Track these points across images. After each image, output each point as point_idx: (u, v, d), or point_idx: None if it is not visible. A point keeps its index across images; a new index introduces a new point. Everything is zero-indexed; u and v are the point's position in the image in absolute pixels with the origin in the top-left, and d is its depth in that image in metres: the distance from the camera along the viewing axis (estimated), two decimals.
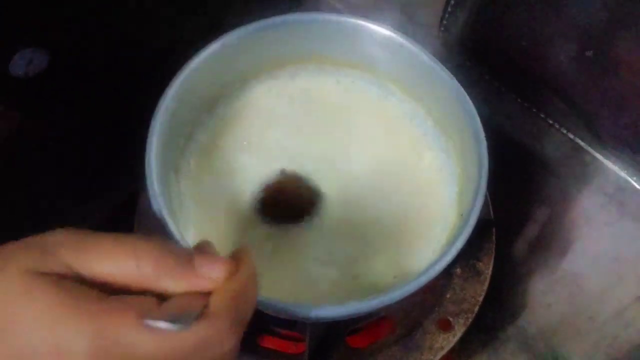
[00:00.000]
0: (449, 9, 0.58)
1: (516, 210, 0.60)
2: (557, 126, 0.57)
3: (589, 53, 0.51)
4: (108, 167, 0.62)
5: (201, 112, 0.47)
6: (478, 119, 0.42)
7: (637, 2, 0.46)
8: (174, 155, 0.45)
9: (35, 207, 0.61)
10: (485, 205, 0.50)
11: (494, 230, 0.49)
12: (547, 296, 0.63)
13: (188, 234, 0.42)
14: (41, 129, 0.59)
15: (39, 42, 0.55)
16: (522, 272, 0.64)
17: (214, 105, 0.48)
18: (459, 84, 0.43)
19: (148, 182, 0.39)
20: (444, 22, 0.59)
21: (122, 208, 0.58)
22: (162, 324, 0.24)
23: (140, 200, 0.50)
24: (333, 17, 0.46)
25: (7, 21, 0.52)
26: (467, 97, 0.43)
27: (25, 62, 0.55)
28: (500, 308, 0.68)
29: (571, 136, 0.56)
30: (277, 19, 0.46)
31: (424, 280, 0.37)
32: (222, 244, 0.43)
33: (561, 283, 0.61)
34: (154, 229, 0.38)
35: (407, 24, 0.62)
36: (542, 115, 0.57)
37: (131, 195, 0.52)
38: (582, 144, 0.56)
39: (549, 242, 0.60)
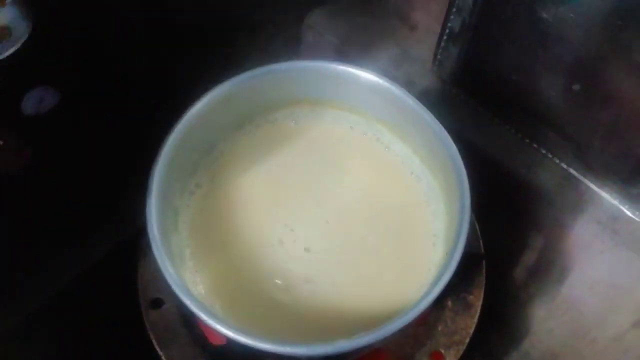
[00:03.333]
0: (442, 44, 0.61)
1: (513, 238, 0.63)
2: (550, 156, 0.59)
3: (576, 87, 0.53)
4: (114, 202, 0.65)
5: (200, 155, 0.51)
6: (460, 160, 0.45)
7: (617, 41, 0.48)
8: (174, 196, 0.48)
9: (43, 240, 0.65)
10: (475, 239, 0.53)
11: (484, 263, 0.52)
12: (549, 321, 0.65)
13: (194, 278, 0.46)
14: (51, 165, 0.62)
15: (49, 80, 0.59)
16: (523, 299, 0.66)
17: (212, 148, 0.51)
18: (441, 126, 0.46)
19: (148, 227, 0.43)
20: (438, 56, 0.62)
21: (127, 242, 0.61)
22: None
23: (143, 235, 0.52)
24: (323, 65, 0.49)
25: (19, 61, 0.56)
26: (450, 139, 0.46)
27: (36, 101, 0.58)
28: (503, 334, 0.70)
29: (564, 166, 0.58)
30: (272, 67, 0.49)
31: (408, 319, 0.40)
32: (230, 287, 0.46)
33: (561, 309, 0.63)
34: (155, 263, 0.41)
35: (402, 59, 0.65)
36: (535, 145, 0.59)
37: (137, 230, 0.55)
38: (575, 173, 0.58)
39: (547, 269, 0.62)
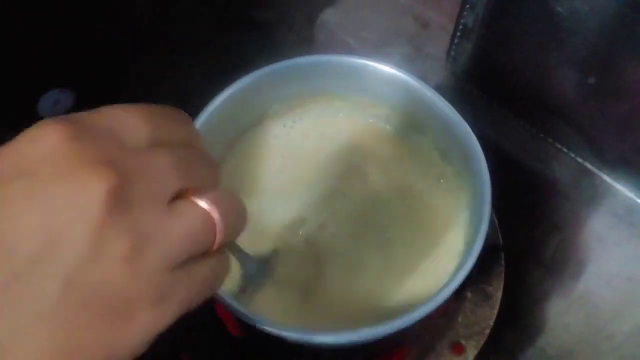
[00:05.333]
0: (456, 41, 0.61)
1: (529, 233, 0.63)
2: (565, 150, 0.59)
3: (591, 80, 0.54)
4: None
5: (218, 153, 0.51)
6: (481, 151, 0.45)
7: (632, 33, 0.49)
8: None
9: None
10: (493, 231, 0.53)
11: (502, 255, 0.52)
12: (565, 317, 0.66)
13: None
14: None
15: (65, 82, 0.59)
16: (539, 294, 0.66)
17: (231, 145, 0.52)
18: (459, 115, 0.47)
19: None
20: (451, 53, 0.62)
21: None
22: None
23: None
24: (341, 58, 0.50)
25: (35, 63, 0.56)
26: (468, 127, 0.46)
27: (52, 103, 0.58)
28: (519, 330, 0.70)
29: (579, 159, 0.59)
30: (290, 62, 0.49)
31: (430, 307, 0.40)
32: None
33: (578, 304, 0.64)
34: None
35: (416, 56, 0.65)
36: (550, 140, 0.60)
37: None
38: (590, 167, 0.59)
39: (563, 264, 0.63)
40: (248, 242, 0.46)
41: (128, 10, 0.64)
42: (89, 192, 0.21)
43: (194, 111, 0.48)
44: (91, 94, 0.61)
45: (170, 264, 0.23)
